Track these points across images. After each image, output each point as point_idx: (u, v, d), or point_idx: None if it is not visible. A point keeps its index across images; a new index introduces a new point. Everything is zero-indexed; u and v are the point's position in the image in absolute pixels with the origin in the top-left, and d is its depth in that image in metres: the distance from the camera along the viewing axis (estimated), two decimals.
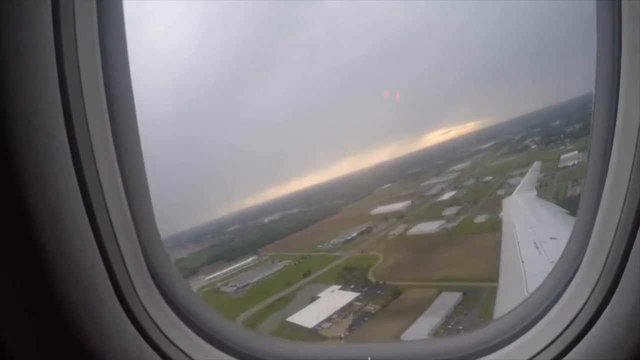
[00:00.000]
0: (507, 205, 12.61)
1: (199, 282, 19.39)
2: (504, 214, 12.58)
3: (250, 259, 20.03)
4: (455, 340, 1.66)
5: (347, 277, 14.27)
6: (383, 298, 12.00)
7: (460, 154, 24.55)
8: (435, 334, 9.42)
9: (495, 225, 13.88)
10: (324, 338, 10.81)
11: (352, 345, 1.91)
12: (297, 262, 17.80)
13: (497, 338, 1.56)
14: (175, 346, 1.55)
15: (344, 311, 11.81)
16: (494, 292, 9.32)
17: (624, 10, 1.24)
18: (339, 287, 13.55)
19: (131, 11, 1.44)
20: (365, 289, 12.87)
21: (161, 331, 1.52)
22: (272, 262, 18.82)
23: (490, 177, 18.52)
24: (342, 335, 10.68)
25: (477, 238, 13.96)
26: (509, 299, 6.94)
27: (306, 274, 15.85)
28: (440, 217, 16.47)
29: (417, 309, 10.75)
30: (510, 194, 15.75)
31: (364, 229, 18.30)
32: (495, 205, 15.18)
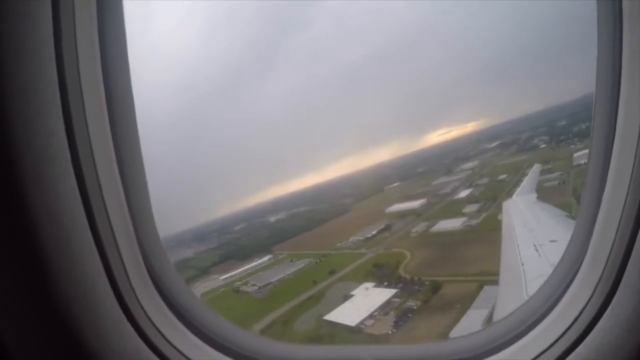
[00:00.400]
0: (507, 207, 12.92)
1: (213, 282, 18.97)
2: (503, 217, 12.82)
3: (266, 258, 19.74)
4: (457, 342, 1.66)
5: (377, 274, 14.27)
6: (422, 294, 12.06)
7: (466, 153, 25.08)
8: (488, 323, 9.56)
9: None
10: (370, 336, 10.77)
11: (353, 347, 1.93)
12: (318, 261, 17.67)
13: (499, 340, 1.56)
14: (173, 347, 1.56)
15: (384, 308, 11.81)
16: None
17: (624, 10, 1.24)
18: (373, 284, 13.53)
19: (133, 11, 1.46)
20: (400, 285, 12.91)
21: (159, 332, 1.53)
22: (291, 261, 18.61)
23: (504, 176, 18.96)
24: (390, 332, 10.67)
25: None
26: (508, 302, 7.05)
27: (332, 272, 15.75)
28: (461, 215, 16.73)
29: (462, 303, 10.88)
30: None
31: (383, 226, 18.37)
32: None
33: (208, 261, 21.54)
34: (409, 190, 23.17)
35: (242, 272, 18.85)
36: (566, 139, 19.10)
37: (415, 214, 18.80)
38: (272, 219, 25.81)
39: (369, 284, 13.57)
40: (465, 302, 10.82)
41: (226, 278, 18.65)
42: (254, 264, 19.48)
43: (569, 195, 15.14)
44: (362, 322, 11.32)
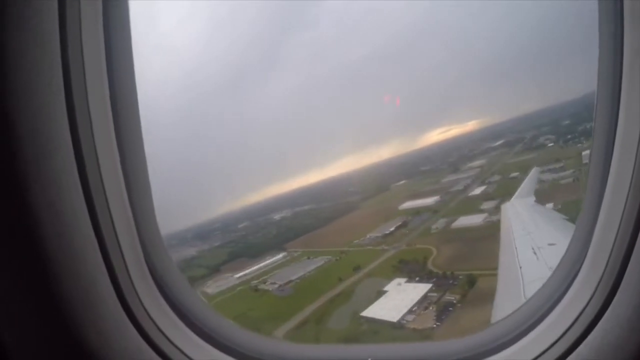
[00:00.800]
0: (506, 210, 13.25)
1: (227, 281, 18.43)
2: (502, 219, 13.10)
3: (280, 255, 19.37)
4: (457, 342, 1.68)
5: (405, 269, 14.28)
6: (459, 287, 12.14)
7: (470, 152, 25.56)
8: None
9: None
10: (415, 331, 10.73)
11: (352, 347, 1.97)
12: (337, 258, 17.50)
13: (499, 340, 1.59)
14: (175, 346, 1.56)
15: (422, 303, 11.80)
16: None
17: (625, 10, 1.27)
18: (404, 279, 13.52)
19: (138, 10, 1.47)
20: (434, 279, 12.95)
21: (160, 331, 1.54)
22: (308, 258, 18.33)
23: (516, 173, 19.43)
24: (434, 325, 10.67)
25: None
26: (506, 305, 7.15)
27: (356, 269, 15.63)
28: (480, 211, 17.00)
29: None
30: (545, 189, 16.71)
31: (400, 223, 18.42)
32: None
33: (217, 259, 20.95)
34: (417, 188, 23.36)
35: (256, 270, 18.41)
36: (573, 137, 19.77)
37: (431, 210, 18.96)
38: (277, 217, 25.42)
39: (401, 280, 13.55)
40: None
41: (241, 276, 18.16)
42: (267, 261, 19.06)
43: (584, 190, 15.68)
44: (403, 318, 11.26)
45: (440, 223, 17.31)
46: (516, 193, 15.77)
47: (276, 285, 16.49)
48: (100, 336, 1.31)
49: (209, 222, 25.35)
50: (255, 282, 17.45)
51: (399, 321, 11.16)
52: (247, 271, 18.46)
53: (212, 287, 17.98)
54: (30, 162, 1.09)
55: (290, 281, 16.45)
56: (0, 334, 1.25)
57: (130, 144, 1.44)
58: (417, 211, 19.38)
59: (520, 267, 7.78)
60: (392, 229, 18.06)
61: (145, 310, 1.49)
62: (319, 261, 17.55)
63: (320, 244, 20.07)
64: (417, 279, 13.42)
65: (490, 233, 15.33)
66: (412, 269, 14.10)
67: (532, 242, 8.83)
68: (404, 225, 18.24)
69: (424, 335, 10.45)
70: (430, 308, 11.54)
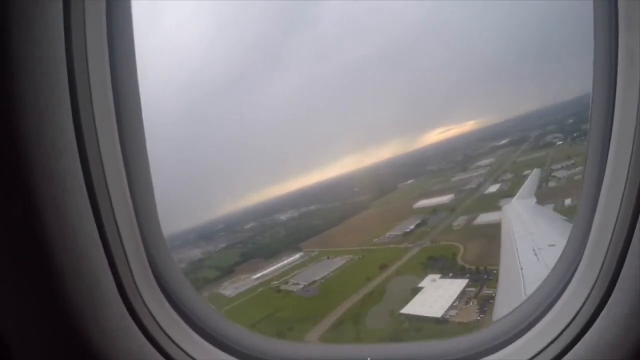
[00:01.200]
0: (506, 211, 13.52)
1: (245, 282, 17.90)
2: (502, 221, 13.36)
3: (297, 256, 19.00)
4: (455, 341, 1.72)
5: (436, 266, 14.23)
6: (494, 282, 12.16)
7: (475, 151, 25.93)
8: None
9: (563, 212, 14.86)
10: (460, 324, 10.66)
11: (352, 346, 2.04)
12: (359, 257, 17.30)
13: (497, 339, 1.63)
14: (177, 345, 1.58)
15: (462, 298, 11.75)
16: None
17: (620, 11, 1.31)
18: (438, 276, 13.45)
19: (141, 10, 1.49)
20: (468, 275, 12.95)
21: (163, 330, 1.56)
22: (328, 258, 18.05)
23: (529, 171, 19.82)
24: (479, 318, 10.63)
25: None
26: (507, 306, 7.45)
27: (383, 267, 15.47)
28: (499, 208, 17.21)
29: None
30: (560, 186, 17.09)
31: (419, 221, 18.43)
32: (553, 196, 16.25)
33: (229, 260, 20.37)
34: (427, 186, 23.47)
35: (274, 271, 17.98)
36: (579, 135, 20.36)
37: (448, 208, 19.06)
38: (283, 217, 24.99)
39: (435, 276, 13.48)
40: None
41: (259, 277, 17.68)
42: (284, 262, 18.66)
43: None
44: (446, 313, 11.18)
45: (461, 220, 17.41)
46: (517, 194, 16.03)
47: (300, 286, 16.13)
48: (103, 336, 1.32)
49: (212, 222, 24.66)
50: (275, 282, 17.02)
51: (442, 316, 11.07)
52: (265, 272, 18.01)
53: (229, 289, 17.43)
54: (35, 163, 1.10)
55: (314, 281, 16.12)
56: (4, 333, 1.25)
57: (133, 144, 1.45)
58: (433, 209, 19.43)
59: (522, 268, 7.81)
60: (412, 227, 18.03)
61: (148, 310, 1.50)
62: (340, 261, 17.31)
63: (337, 243, 19.82)
64: (450, 274, 13.38)
65: None
66: (442, 266, 14.06)
67: (532, 244, 8.90)
68: (423, 223, 18.24)
69: (471, 327, 10.40)
70: (471, 303, 11.50)
